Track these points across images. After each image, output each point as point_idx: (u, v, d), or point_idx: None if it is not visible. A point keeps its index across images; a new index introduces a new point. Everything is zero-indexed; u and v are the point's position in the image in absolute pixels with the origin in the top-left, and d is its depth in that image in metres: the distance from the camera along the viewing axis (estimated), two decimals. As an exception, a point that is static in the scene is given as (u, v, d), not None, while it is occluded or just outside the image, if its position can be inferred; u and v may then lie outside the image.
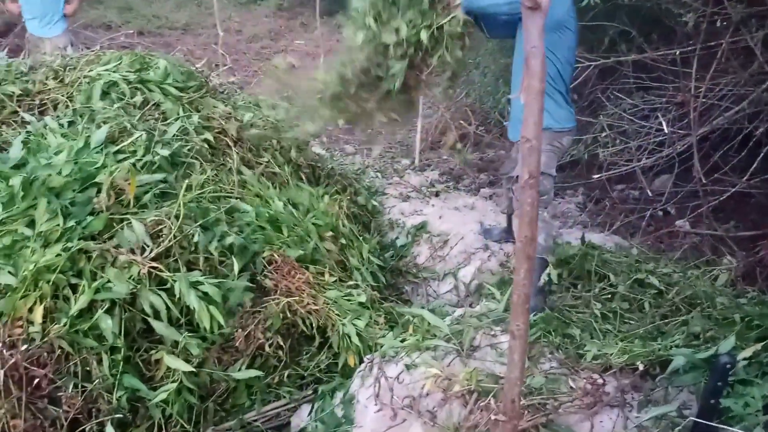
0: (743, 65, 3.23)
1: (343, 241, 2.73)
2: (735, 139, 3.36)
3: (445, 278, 3.05)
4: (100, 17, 9.19)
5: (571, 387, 1.84)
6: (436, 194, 4.11)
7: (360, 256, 2.75)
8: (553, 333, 2.16)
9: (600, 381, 1.84)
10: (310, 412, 2.11)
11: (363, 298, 2.43)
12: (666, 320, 2.23)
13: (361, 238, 2.91)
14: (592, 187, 4.28)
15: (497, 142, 5.41)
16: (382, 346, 2.16)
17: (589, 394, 1.78)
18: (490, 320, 2.23)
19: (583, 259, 2.64)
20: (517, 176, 2.68)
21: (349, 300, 2.41)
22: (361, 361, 2.21)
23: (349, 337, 2.25)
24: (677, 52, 3.38)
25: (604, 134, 3.78)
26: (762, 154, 3.11)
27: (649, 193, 3.75)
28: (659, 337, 2.07)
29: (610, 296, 2.44)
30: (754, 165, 3.09)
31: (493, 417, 1.50)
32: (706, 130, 3.37)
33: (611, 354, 1.97)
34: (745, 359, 1.72)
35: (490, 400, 1.68)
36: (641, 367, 1.88)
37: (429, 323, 2.18)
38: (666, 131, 3.38)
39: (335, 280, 2.50)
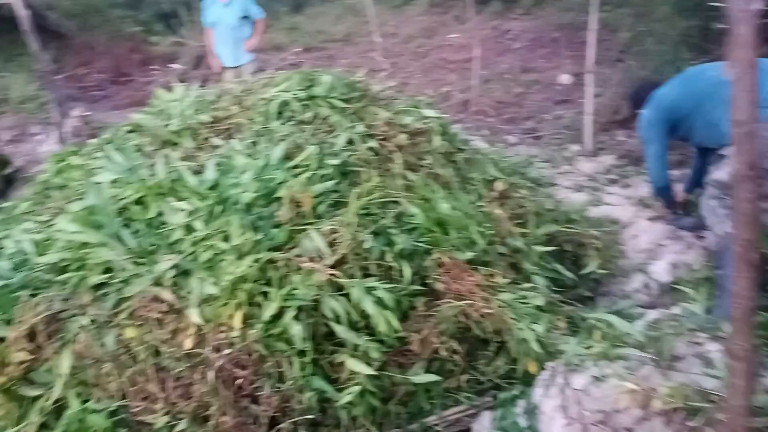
0: None
1: (513, 241, 2.61)
2: None
3: (632, 275, 2.77)
4: (271, 39, 10.05)
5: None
6: (614, 181, 3.76)
7: (533, 256, 2.61)
8: (775, 340, 1.82)
9: None
10: (493, 419, 2.04)
11: (540, 301, 2.30)
12: None
13: (533, 236, 2.76)
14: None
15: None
16: (563, 354, 2.02)
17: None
18: (694, 325, 1.95)
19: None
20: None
21: (524, 303, 2.30)
22: (542, 369, 2.09)
23: (528, 343, 2.14)
24: None
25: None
26: None
27: None
28: None
29: None
30: None
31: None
32: None
33: None
34: None
35: (701, 423, 1.47)
36: None
37: (618, 329, 1.98)
38: None
39: (508, 282, 2.40)
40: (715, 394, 1.58)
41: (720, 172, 2.57)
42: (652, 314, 2.12)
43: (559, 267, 2.70)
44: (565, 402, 1.81)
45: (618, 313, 2.37)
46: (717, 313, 2.39)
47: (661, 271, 2.70)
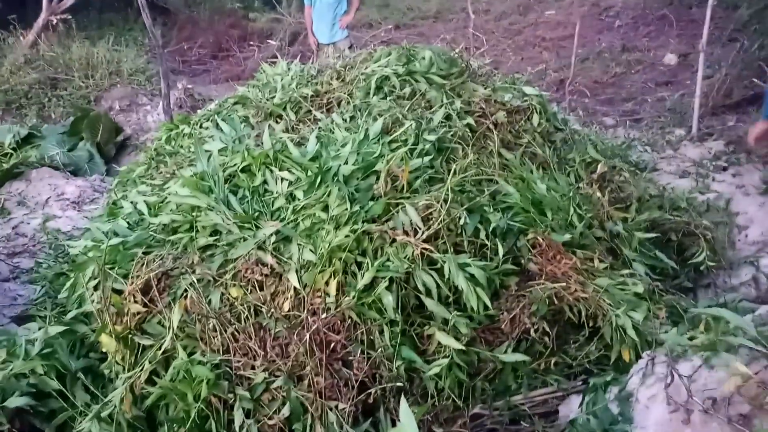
0: None
1: (613, 225, 2.52)
2: None
3: (740, 268, 2.60)
4: (363, 17, 10.11)
5: None
6: (724, 168, 3.51)
7: (633, 242, 2.50)
8: None
9: None
10: (581, 404, 2.01)
11: (640, 289, 2.21)
12: None
13: (633, 222, 2.65)
14: None
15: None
16: (662, 344, 1.94)
17: None
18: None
19: None
20: None
21: (622, 289, 2.22)
22: (638, 357, 2.02)
23: (624, 330, 2.08)
24: None
25: None
26: None
27: None
28: None
29: None
30: None
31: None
32: None
33: None
34: None
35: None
36: None
37: (727, 322, 1.87)
38: None
39: (606, 267, 2.33)
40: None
41: None
42: (763, 308, 1.99)
43: (660, 255, 2.57)
44: (667, 389, 1.74)
45: (725, 307, 2.25)
46: None
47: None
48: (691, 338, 1.91)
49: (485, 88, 3.01)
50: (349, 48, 5.58)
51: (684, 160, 3.75)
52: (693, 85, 4.70)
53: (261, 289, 2.16)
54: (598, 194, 2.63)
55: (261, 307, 2.13)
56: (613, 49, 7.36)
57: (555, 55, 7.66)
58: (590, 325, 2.19)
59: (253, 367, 2.04)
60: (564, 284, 2.19)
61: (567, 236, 2.34)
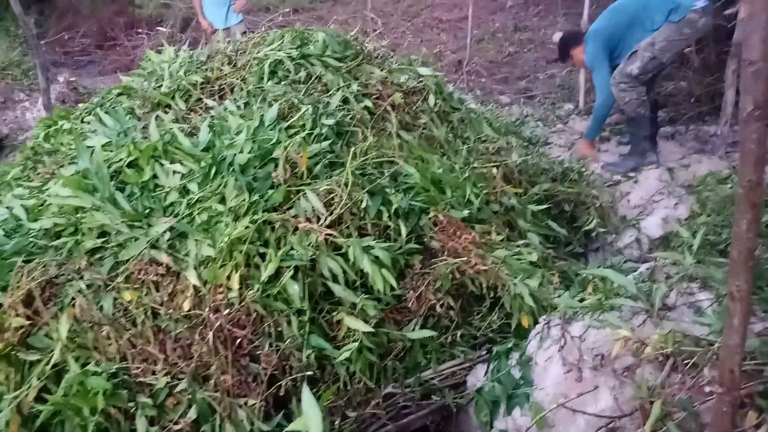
0: None
1: (507, 200, 2.63)
2: None
3: (624, 231, 2.80)
4: (259, 1, 9.81)
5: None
6: (607, 139, 3.77)
7: (527, 214, 2.62)
8: (766, 287, 1.86)
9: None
10: (486, 372, 2.09)
11: (534, 257, 2.33)
12: None
13: (527, 195, 2.78)
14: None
15: (676, 71, 4.78)
16: (556, 307, 2.05)
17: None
18: (684, 275, 1.99)
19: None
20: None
21: (519, 259, 2.33)
22: (535, 322, 2.13)
23: (522, 298, 2.18)
24: None
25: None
26: None
27: None
28: None
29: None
30: None
31: (708, 388, 1.33)
32: None
33: None
34: None
35: (690, 367, 1.51)
36: None
37: (612, 282, 2.01)
38: None
39: (503, 239, 2.42)
40: (705, 340, 1.62)
41: (630, 66, 3.36)
42: (644, 266, 2.16)
43: (552, 224, 2.72)
44: (561, 351, 1.85)
45: (611, 268, 2.42)
46: (620, 165, 3.45)
47: (652, 226, 2.73)
48: (581, 300, 2.04)
49: (381, 70, 3.02)
50: (244, 33, 5.42)
51: (573, 133, 3.98)
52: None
53: (157, 289, 2.05)
54: (493, 171, 2.72)
55: (159, 309, 2.02)
56: (507, 29, 7.64)
57: (452, 37, 7.83)
58: (491, 295, 2.28)
59: (153, 373, 1.94)
60: (465, 259, 2.25)
61: (465, 212, 2.41)
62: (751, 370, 1.50)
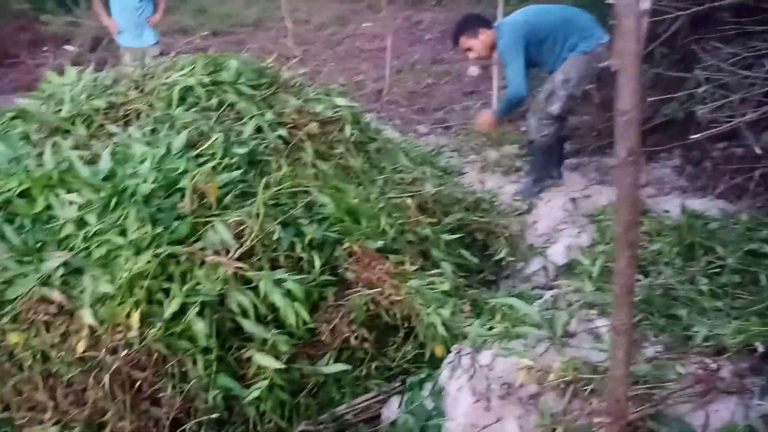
0: None
1: (422, 229, 2.67)
2: None
3: (532, 258, 2.92)
4: (176, 23, 9.57)
5: (680, 373, 1.69)
6: (518, 169, 3.94)
7: (441, 244, 2.67)
8: (656, 314, 1.99)
9: (713, 365, 1.67)
10: (400, 404, 2.08)
11: (446, 286, 2.36)
12: (787, 294, 2.00)
13: (441, 224, 2.84)
14: (690, 148, 3.93)
15: (581, 108, 5.10)
16: (468, 336, 2.09)
17: (701, 380, 1.62)
18: (585, 302, 2.09)
19: (685, 231, 2.41)
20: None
21: (432, 289, 2.36)
22: (449, 351, 2.16)
23: (435, 327, 2.20)
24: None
25: (701, 89, 3.43)
26: None
27: (757, 150, 3.38)
28: (780, 315, 1.85)
29: (718, 270, 2.22)
30: None
31: (596, 419, 1.39)
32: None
33: (724, 334, 1.79)
34: None
35: (589, 393, 1.57)
36: (760, 348, 1.69)
37: (518, 310, 2.08)
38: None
39: (416, 269, 2.45)
40: (604, 366, 1.70)
41: (551, 107, 3.50)
42: (549, 294, 2.25)
43: (464, 253, 2.79)
44: (471, 380, 1.87)
45: (519, 296, 2.50)
46: (519, 192, 3.64)
47: (557, 254, 2.86)
48: (490, 328, 2.09)
49: (297, 99, 3.00)
50: (161, 55, 5.26)
51: (485, 162, 4.13)
52: (491, 94, 5.21)
53: (48, 330, 1.90)
54: (409, 200, 2.77)
55: (49, 352, 1.87)
56: (425, 60, 7.88)
57: (373, 66, 7.97)
58: (405, 325, 2.28)
59: (41, 422, 1.78)
60: (379, 289, 2.25)
61: (380, 243, 2.41)
62: (643, 394, 1.58)
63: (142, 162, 2.29)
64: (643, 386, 1.61)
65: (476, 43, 3.65)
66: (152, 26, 5.61)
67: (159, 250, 2.01)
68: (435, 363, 2.19)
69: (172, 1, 10.63)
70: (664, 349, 1.83)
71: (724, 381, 1.65)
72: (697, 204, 3.11)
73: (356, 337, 2.18)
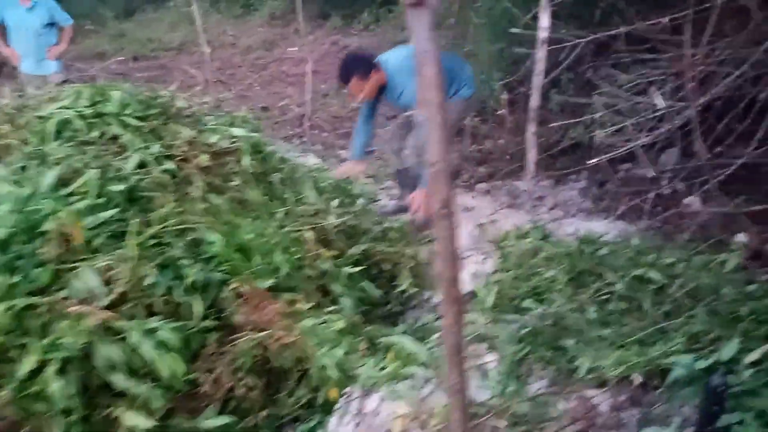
0: (739, 26, 2.97)
1: (321, 263, 2.57)
2: (738, 106, 3.11)
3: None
4: (93, 47, 9.21)
5: (561, 411, 1.65)
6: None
7: (342, 277, 2.58)
8: (544, 345, 1.97)
9: (592, 401, 1.65)
10: (289, 455, 1.96)
11: (341, 325, 2.27)
12: (668, 319, 2.02)
13: (344, 257, 2.75)
14: (595, 171, 4.05)
15: (495, 132, 5.19)
16: (359, 377, 2.00)
17: (579, 418, 1.59)
18: (477, 335, 2.05)
19: (577, 258, 2.43)
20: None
21: (327, 327, 2.26)
22: (342, 395, 2.06)
23: (327, 369, 2.10)
24: (668, 20, 3.13)
25: (599, 114, 3.54)
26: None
27: (653, 172, 3.51)
28: (659, 341, 1.86)
29: (607, 297, 2.24)
30: (759, 134, 2.83)
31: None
32: (707, 99, 3.12)
33: (605, 366, 1.78)
34: (751, 364, 1.51)
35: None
36: (638, 380, 1.68)
37: (407, 349, 2.01)
38: (659, 105, 3.14)
39: (312, 306, 2.35)
40: (486, 406, 1.65)
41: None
42: (443, 330, 2.19)
43: (367, 285, 2.71)
44: (357, 427, 1.78)
45: (421, 328, 2.44)
46: (382, 211, 3.80)
47: (463, 281, 2.82)
48: (382, 368, 2.01)
49: (192, 130, 2.87)
50: (64, 82, 5.01)
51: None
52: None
53: None
54: (309, 233, 2.67)
55: None
56: (350, 85, 7.86)
57: (299, 91, 7.90)
58: (298, 369, 2.17)
59: None
60: (269, 332, 2.14)
61: (272, 281, 2.30)
62: (522, 436, 1.54)
63: (2, 203, 2.10)
64: (522, 428, 1.56)
65: (367, 85, 3.73)
66: (53, 58, 5.35)
67: (14, 302, 1.82)
68: (328, 407, 2.09)
69: (91, 25, 10.27)
70: (549, 383, 1.80)
71: (602, 416, 1.63)
72: (600, 226, 3.17)
73: (242, 386, 2.05)
